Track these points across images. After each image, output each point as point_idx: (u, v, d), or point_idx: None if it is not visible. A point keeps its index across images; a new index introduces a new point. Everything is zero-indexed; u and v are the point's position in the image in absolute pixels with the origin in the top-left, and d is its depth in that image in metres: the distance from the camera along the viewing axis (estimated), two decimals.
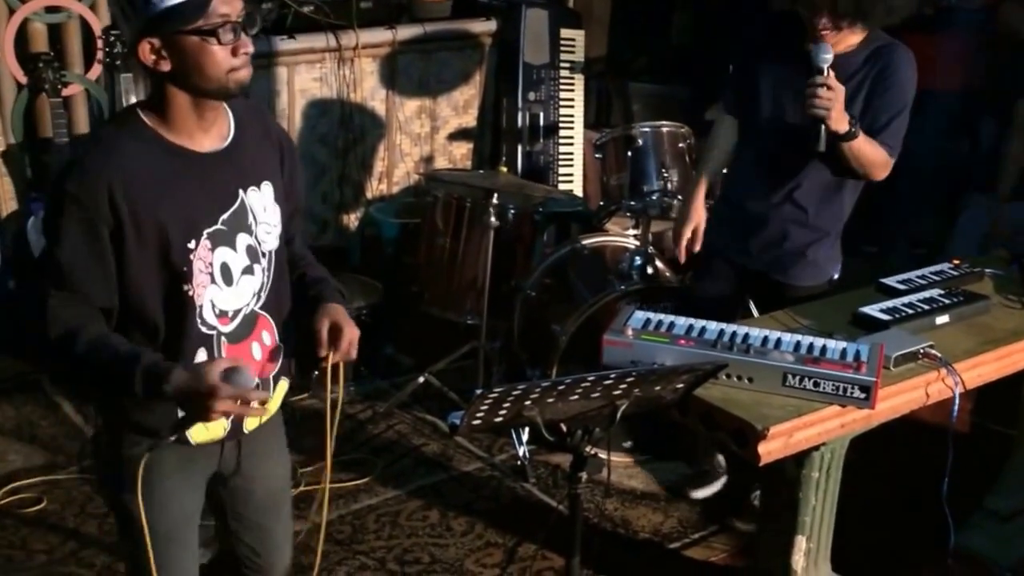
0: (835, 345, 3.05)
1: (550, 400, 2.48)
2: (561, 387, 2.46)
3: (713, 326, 3.16)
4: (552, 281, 4.92)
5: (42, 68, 5.01)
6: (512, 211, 5.06)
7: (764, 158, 3.80)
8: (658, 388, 2.65)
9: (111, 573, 3.82)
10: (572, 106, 6.40)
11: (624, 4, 6.93)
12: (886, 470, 4.37)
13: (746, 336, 3.11)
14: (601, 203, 5.18)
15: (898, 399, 3.08)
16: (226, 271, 2.48)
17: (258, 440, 2.73)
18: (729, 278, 4.00)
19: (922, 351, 3.16)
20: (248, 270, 2.53)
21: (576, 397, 2.51)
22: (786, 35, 3.70)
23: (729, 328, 3.16)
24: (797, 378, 2.94)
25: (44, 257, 2.39)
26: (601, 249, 4.97)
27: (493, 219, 4.69)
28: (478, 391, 2.37)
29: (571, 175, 6.43)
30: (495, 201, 4.68)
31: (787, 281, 3.87)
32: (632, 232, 5.03)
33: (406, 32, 6.08)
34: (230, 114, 2.51)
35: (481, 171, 6.00)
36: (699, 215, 4.14)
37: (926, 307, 3.45)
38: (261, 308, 2.58)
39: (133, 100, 4.60)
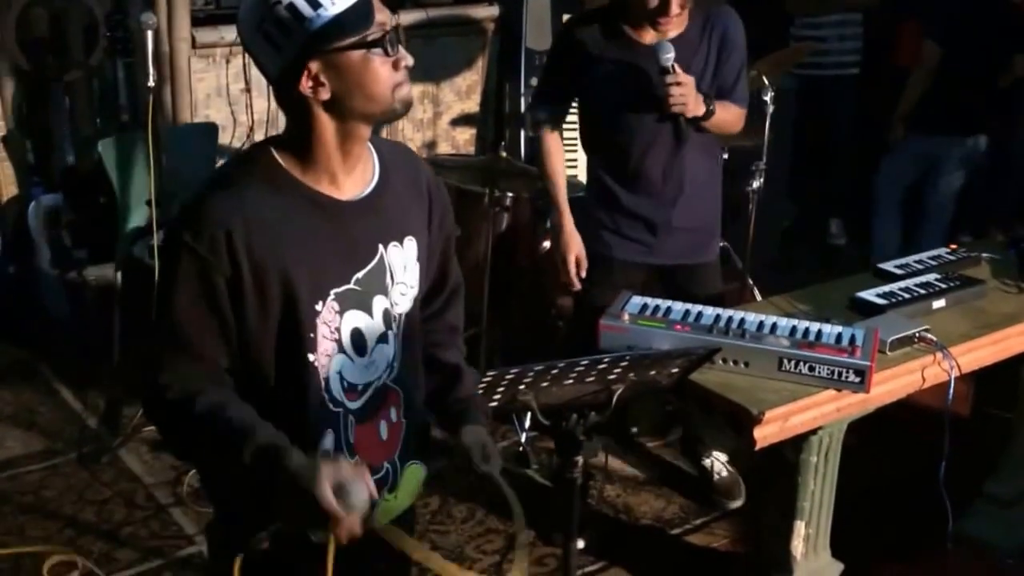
0: (830, 329, 3.04)
1: (544, 385, 2.47)
2: (555, 371, 2.45)
3: (709, 311, 3.16)
4: (553, 266, 4.91)
5: (44, 53, 5.01)
6: (514, 197, 5.04)
7: (637, 162, 3.75)
8: (653, 373, 2.64)
9: (108, 560, 3.82)
10: None
11: None
12: (886, 455, 4.35)
13: (742, 321, 3.11)
14: None
15: (894, 383, 3.08)
16: (358, 339, 2.16)
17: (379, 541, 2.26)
18: (635, 283, 3.83)
19: (918, 335, 3.15)
20: (383, 338, 2.21)
21: (571, 382, 2.50)
22: (607, 34, 3.66)
23: (725, 313, 3.16)
24: (792, 362, 2.94)
25: (155, 309, 2.09)
26: None
27: (495, 205, 4.67)
28: None
29: (574, 160, 6.40)
30: (497, 186, 4.67)
31: (700, 260, 3.93)
32: None
33: (409, 17, 6.05)
34: (374, 154, 2.19)
35: (483, 156, 5.99)
36: (578, 240, 3.90)
37: (923, 291, 3.45)
38: (393, 381, 2.26)
39: (151, 82, 4.45)
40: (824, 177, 6.58)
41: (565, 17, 6.21)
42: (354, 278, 2.13)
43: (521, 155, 6.16)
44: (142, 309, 3.40)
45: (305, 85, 2.00)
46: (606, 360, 2.48)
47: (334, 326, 2.11)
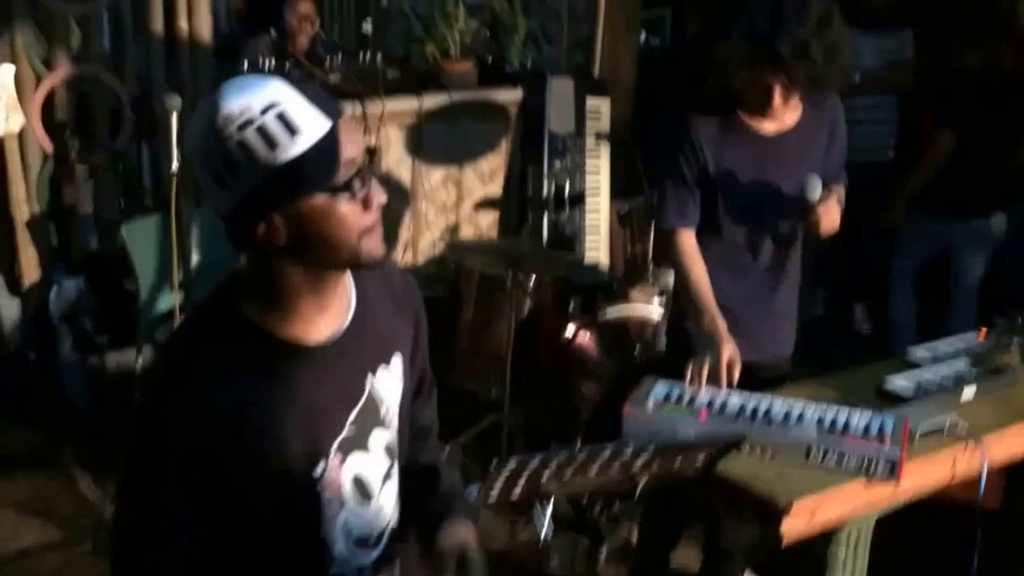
0: (859, 418, 2.98)
1: (568, 474, 2.43)
2: (578, 461, 2.40)
3: (736, 398, 3.10)
4: (577, 352, 4.88)
5: (68, 136, 5.04)
6: (536, 281, 5.02)
7: (750, 256, 3.63)
8: (678, 463, 2.59)
9: None
10: (598, 174, 6.37)
11: (651, 69, 6.89)
12: (916, 549, 4.26)
13: (768, 408, 3.05)
14: (626, 272, 5.14)
15: (924, 475, 3.01)
16: (361, 484, 1.94)
17: None
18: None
19: (948, 425, 3.09)
20: (388, 475, 2.00)
21: (594, 471, 2.46)
22: (725, 126, 3.52)
23: (752, 400, 3.10)
24: (821, 451, 2.88)
25: (140, 511, 1.87)
26: (625, 320, 4.92)
27: (518, 289, 4.65)
28: (493, 464, 2.30)
29: (597, 244, 6.39)
30: (519, 271, 4.65)
31: (785, 349, 3.79)
32: (657, 300, 4.98)
33: (432, 101, 6.08)
34: (350, 279, 1.94)
35: (506, 240, 5.99)
36: (734, 344, 3.33)
37: (952, 379, 3.39)
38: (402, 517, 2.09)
39: (175, 167, 4.44)
40: (851, 262, 6.52)
41: (588, 100, 6.23)
42: (348, 422, 1.90)
43: (544, 239, 6.15)
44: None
45: (258, 233, 1.74)
46: (630, 449, 2.43)
47: (336, 483, 1.90)
